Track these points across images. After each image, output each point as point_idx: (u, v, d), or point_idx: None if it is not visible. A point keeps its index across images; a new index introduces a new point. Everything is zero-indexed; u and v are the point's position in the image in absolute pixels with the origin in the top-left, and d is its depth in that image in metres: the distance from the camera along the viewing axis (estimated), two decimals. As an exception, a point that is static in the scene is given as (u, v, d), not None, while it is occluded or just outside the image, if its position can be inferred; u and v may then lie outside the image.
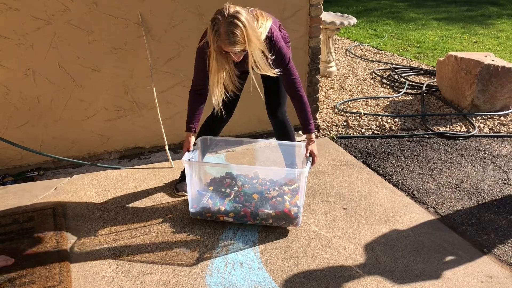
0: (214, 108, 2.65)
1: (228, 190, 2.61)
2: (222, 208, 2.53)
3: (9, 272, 2.15)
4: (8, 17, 2.81)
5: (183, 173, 2.91)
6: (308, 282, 2.13)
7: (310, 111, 2.55)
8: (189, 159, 2.47)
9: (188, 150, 2.52)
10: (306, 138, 2.58)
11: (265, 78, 2.63)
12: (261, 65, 2.29)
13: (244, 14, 2.14)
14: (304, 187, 2.50)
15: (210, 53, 2.28)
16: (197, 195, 2.62)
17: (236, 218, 2.52)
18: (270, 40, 2.35)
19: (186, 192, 2.79)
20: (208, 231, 2.50)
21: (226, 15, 2.12)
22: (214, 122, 2.78)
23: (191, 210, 2.56)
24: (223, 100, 2.46)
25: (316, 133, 3.85)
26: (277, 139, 2.82)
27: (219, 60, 2.27)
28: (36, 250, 2.31)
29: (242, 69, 2.47)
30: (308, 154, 2.52)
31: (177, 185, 2.88)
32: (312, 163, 2.50)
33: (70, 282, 2.10)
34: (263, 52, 2.27)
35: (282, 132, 2.81)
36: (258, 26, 2.28)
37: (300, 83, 2.52)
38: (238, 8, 2.16)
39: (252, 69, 2.30)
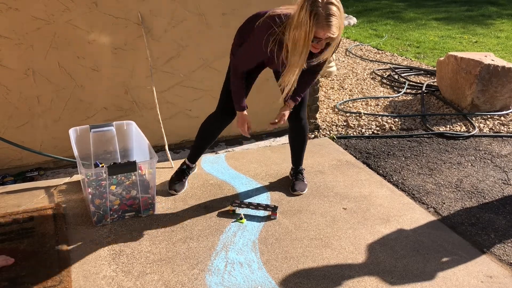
0: (222, 108, 2.69)
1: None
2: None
3: (9, 272, 2.15)
4: (8, 17, 2.81)
5: (178, 173, 2.92)
6: (308, 282, 2.13)
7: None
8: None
9: (248, 128, 2.58)
10: (286, 104, 2.58)
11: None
12: (326, 56, 2.23)
13: None
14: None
15: (292, 39, 2.09)
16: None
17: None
18: None
19: (176, 191, 2.84)
20: (208, 231, 2.50)
21: None
22: (223, 121, 2.74)
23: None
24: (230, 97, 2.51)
25: (316, 133, 3.86)
26: (292, 143, 2.88)
27: (306, 46, 2.09)
28: (36, 250, 2.31)
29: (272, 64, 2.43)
30: (279, 116, 2.57)
31: (175, 185, 2.88)
32: (277, 123, 2.57)
33: (70, 282, 2.10)
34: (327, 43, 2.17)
35: (301, 137, 2.84)
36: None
37: None
38: None
39: (310, 63, 2.26)
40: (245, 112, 2.56)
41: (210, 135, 2.80)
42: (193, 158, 2.92)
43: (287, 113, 2.60)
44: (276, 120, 2.56)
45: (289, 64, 2.20)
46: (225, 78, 2.67)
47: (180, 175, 2.90)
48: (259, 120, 3.70)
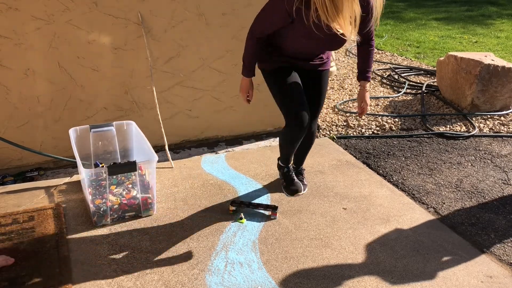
0: (288, 116, 2.43)
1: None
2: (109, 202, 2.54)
3: (9, 272, 2.15)
4: (8, 17, 2.81)
5: (286, 176, 2.73)
6: (308, 282, 2.13)
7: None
8: None
9: (248, 98, 2.51)
10: (361, 87, 2.54)
11: (312, 77, 2.53)
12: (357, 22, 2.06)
13: None
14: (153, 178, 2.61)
15: None
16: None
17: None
18: None
19: (299, 191, 2.66)
20: (208, 231, 2.49)
21: None
22: (299, 131, 2.45)
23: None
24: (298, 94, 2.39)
25: (316, 133, 3.85)
26: (299, 150, 2.71)
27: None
28: (36, 250, 2.31)
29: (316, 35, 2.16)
30: (360, 104, 2.54)
31: (290, 188, 2.68)
32: (361, 114, 2.58)
33: (70, 282, 2.10)
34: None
35: (308, 142, 2.70)
36: None
37: None
38: None
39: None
40: (249, 79, 2.47)
41: (294, 143, 2.56)
42: (287, 160, 2.72)
43: (367, 96, 2.53)
44: (361, 110, 2.55)
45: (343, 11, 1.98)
46: (271, 84, 2.51)
47: (289, 178, 2.72)
48: (259, 120, 3.70)
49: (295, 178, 2.73)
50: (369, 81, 2.50)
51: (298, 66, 2.48)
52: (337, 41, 2.23)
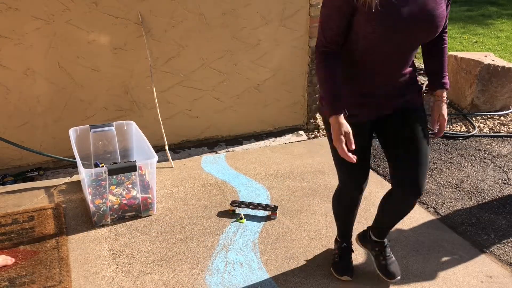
0: (343, 182, 1.99)
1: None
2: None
3: (9, 272, 2.15)
4: (8, 17, 2.81)
5: (343, 251, 2.18)
6: (308, 282, 2.13)
7: None
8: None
9: (350, 147, 1.63)
10: (437, 97, 1.88)
11: (399, 126, 1.81)
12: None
13: None
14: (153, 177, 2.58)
15: None
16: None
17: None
18: None
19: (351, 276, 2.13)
20: (208, 231, 2.49)
21: None
22: (352, 198, 2.02)
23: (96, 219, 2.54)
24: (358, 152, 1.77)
25: (316, 133, 3.85)
26: (385, 210, 2.01)
27: None
28: (36, 250, 2.31)
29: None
30: (437, 119, 1.87)
31: (340, 268, 2.16)
32: (439, 132, 1.88)
33: (70, 282, 2.10)
34: None
35: (403, 210, 1.95)
36: None
37: None
38: None
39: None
40: (340, 117, 1.64)
41: (348, 210, 2.10)
42: (344, 233, 2.19)
43: (444, 109, 1.86)
44: (437, 128, 1.87)
45: None
46: (329, 137, 1.85)
47: (346, 257, 2.18)
48: (259, 120, 3.70)
49: (351, 260, 2.18)
50: (447, 88, 1.87)
51: (375, 113, 1.80)
52: (428, 18, 1.59)
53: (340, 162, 1.86)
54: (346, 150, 1.61)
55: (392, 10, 1.55)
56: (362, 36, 1.62)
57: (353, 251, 2.19)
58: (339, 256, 2.17)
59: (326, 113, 1.68)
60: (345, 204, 2.07)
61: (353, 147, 1.62)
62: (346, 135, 1.63)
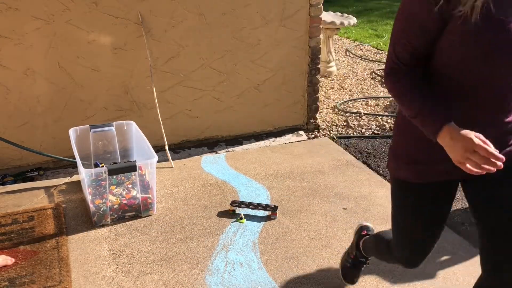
0: (395, 249, 1.66)
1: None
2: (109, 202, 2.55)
3: (9, 272, 2.15)
4: (8, 17, 2.81)
5: (358, 263, 2.06)
6: (308, 282, 2.13)
7: None
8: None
9: (488, 148, 1.14)
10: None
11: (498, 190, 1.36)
12: None
13: None
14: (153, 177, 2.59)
15: None
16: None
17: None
18: None
19: (354, 282, 2.10)
20: (208, 231, 2.50)
21: None
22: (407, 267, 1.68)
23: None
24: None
25: (316, 133, 3.86)
26: None
27: None
28: (36, 250, 2.31)
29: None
30: None
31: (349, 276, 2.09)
32: None
33: (70, 282, 2.10)
34: None
35: None
36: None
37: None
38: None
39: None
40: (453, 124, 1.23)
41: (383, 258, 1.87)
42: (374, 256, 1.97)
43: None
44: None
45: None
46: (392, 199, 1.58)
47: (360, 266, 2.06)
48: (259, 120, 3.70)
49: (360, 271, 2.08)
50: None
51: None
52: None
53: (395, 228, 1.57)
54: (492, 150, 1.14)
55: (497, 27, 1.17)
56: (455, 59, 1.25)
57: (368, 264, 2.06)
58: (353, 263, 2.05)
59: (430, 130, 1.26)
60: (386, 257, 1.81)
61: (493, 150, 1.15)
62: (477, 136, 1.17)
